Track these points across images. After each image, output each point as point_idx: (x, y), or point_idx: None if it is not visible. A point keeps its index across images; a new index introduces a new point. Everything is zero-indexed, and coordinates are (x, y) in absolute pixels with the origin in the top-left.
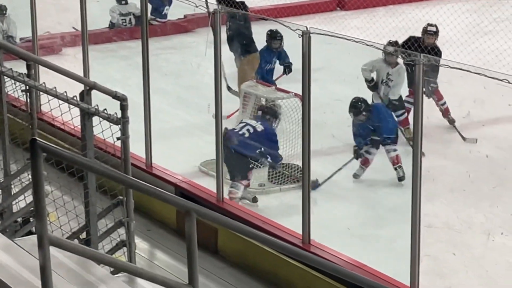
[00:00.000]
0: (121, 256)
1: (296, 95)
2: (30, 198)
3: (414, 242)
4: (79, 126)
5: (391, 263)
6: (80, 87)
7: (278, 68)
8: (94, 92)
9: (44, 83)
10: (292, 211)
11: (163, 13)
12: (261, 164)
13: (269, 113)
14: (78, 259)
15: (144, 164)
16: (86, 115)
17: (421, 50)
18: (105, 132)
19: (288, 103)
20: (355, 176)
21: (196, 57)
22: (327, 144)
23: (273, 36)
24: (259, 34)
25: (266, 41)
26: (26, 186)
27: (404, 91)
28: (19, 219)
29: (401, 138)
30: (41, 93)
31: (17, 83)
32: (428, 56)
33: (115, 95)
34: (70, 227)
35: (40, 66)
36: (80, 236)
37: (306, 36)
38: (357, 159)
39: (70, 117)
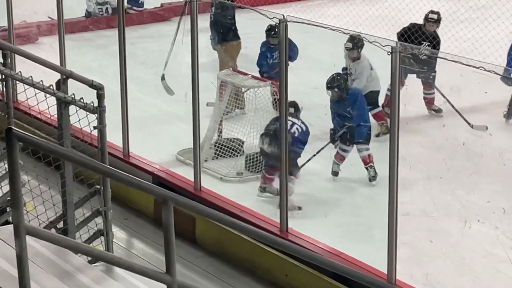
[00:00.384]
0: (98, 245)
1: (273, 83)
2: (6, 188)
3: (391, 230)
4: (56, 115)
5: (368, 250)
6: (57, 76)
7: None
8: (70, 81)
9: (20, 72)
10: (269, 199)
11: (140, 1)
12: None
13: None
14: (55, 248)
15: (121, 153)
16: (63, 104)
17: (422, 38)
18: (82, 121)
19: (265, 92)
20: (335, 173)
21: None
22: None
23: (270, 33)
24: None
25: (266, 36)
26: (2, 175)
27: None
28: None
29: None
30: (17, 82)
31: None
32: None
33: (91, 84)
34: (47, 216)
35: (16, 55)
36: (57, 226)
37: (283, 24)
38: (333, 143)
39: (47, 106)
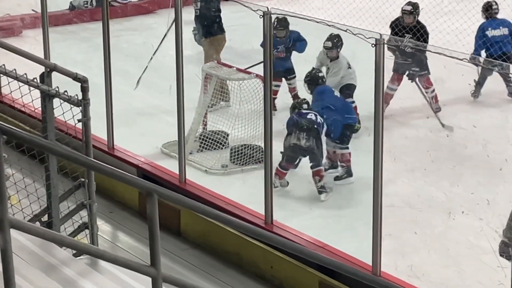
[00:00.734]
0: (83, 238)
1: (257, 76)
2: None
3: (376, 222)
4: (40, 108)
5: (353, 242)
6: (41, 69)
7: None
8: (54, 74)
9: (4, 65)
10: (254, 192)
11: None
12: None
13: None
14: (39, 242)
15: (106, 146)
16: (47, 97)
17: (405, 30)
18: (66, 114)
19: (250, 84)
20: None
21: (157, 39)
22: None
23: (275, 26)
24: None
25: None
26: None
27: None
28: None
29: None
30: (1, 75)
31: None
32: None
33: (75, 77)
34: (32, 209)
35: (0, 48)
36: (42, 219)
37: (267, 16)
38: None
39: (31, 99)
